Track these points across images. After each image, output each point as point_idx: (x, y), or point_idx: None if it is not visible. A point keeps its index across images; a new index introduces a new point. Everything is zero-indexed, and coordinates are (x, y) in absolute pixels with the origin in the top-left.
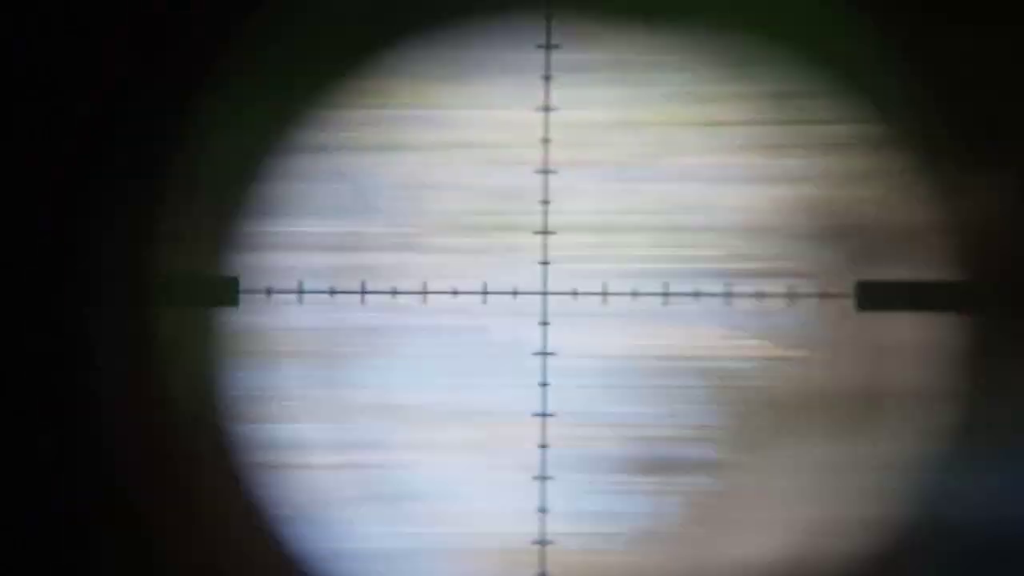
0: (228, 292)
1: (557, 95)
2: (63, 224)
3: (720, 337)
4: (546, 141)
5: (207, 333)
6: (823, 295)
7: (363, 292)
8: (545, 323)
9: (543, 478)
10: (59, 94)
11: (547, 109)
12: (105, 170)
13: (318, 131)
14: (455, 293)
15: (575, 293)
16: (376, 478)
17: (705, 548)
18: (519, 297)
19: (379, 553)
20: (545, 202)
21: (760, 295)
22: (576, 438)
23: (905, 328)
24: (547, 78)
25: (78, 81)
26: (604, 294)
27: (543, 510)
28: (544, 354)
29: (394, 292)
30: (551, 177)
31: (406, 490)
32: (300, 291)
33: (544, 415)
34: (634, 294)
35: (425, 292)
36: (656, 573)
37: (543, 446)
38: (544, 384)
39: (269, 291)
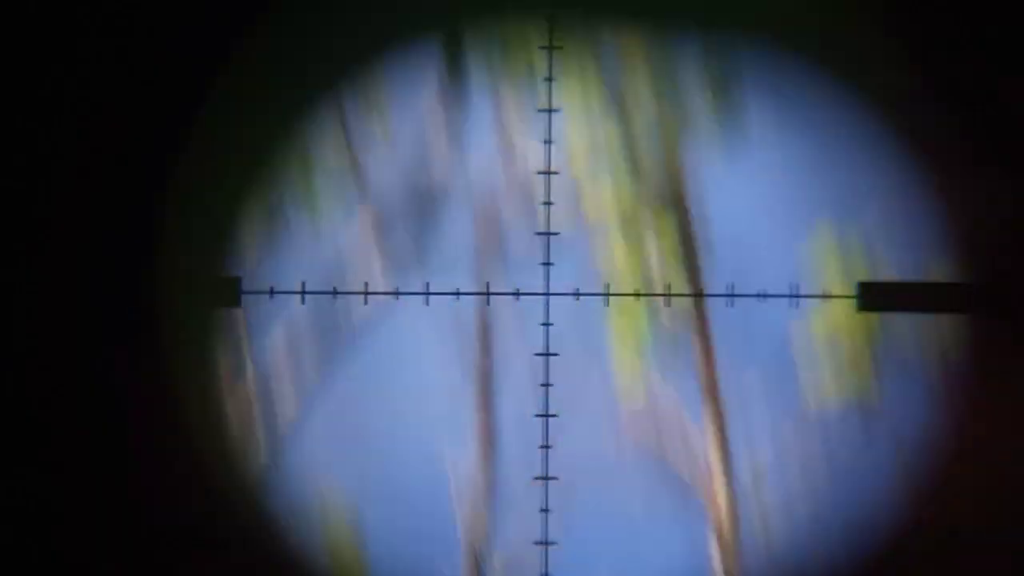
0: (230, 292)
1: (559, 96)
2: (63, 224)
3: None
4: (548, 142)
5: (210, 333)
6: (824, 295)
7: (366, 293)
8: (547, 324)
9: (546, 479)
10: (61, 95)
11: (550, 110)
12: (108, 171)
13: (320, 132)
14: (457, 294)
15: (577, 294)
16: (378, 477)
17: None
18: (521, 298)
19: (380, 552)
20: (547, 203)
21: (762, 295)
22: (578, 439)
23: (905, 328)
24: (550, 79)
25: (81, 83)
26: (607, 295)
27: (545, 510)
28: (547, 355)
29: (397, 293)
30: (553, 178)
31: (407, 490)
32: (303, 291)
33: (547, 416)
34: (636, 295)
35: (428, 293)
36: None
37: (545, 447)
38: (546, 385)
39: (272, 291)
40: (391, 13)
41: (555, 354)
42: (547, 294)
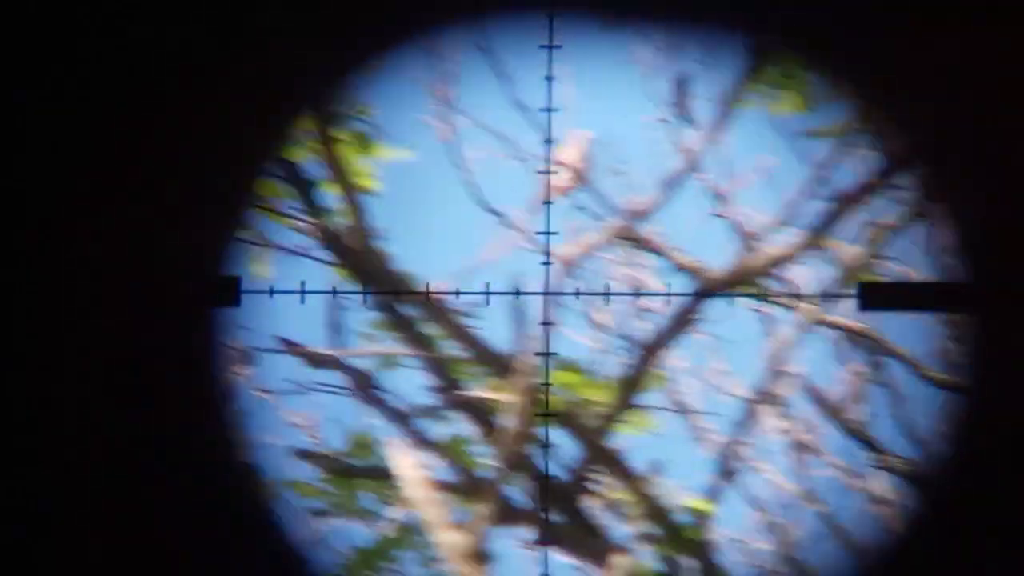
0: (230, 292)
1: (559, 95)
2: (62, 223)
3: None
4: (548, 142)
5: (208, 333)
6: (825, 295)
7: (365, 292)
8: (547, 323)
9: (546, 478)
10: (58, 92)
11: (550, 110)
12: (105, 168)
13: (320, 129)
14: (458, 293)
15: (577, 293)
16: (377, 478)
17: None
18: (521, 297)
19: (381, 551)
20: (547, 203)
21: (762, 295)
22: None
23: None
24: (550, 78)
25: (77, 80)
26: (607, 294)
27: (545, 510)
28: (546, 354)
29: (396, 292)
30: (553, 178)
31: (408, 490)
32: (302, 291)
33: (547, 414)
34: (636, 294)
35: (428, 292)
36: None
37: (545, 446)
38: (546, 384)
39: (271, 291)
40: (390, 10)
41: (554, 354)
42: (547, 293)
